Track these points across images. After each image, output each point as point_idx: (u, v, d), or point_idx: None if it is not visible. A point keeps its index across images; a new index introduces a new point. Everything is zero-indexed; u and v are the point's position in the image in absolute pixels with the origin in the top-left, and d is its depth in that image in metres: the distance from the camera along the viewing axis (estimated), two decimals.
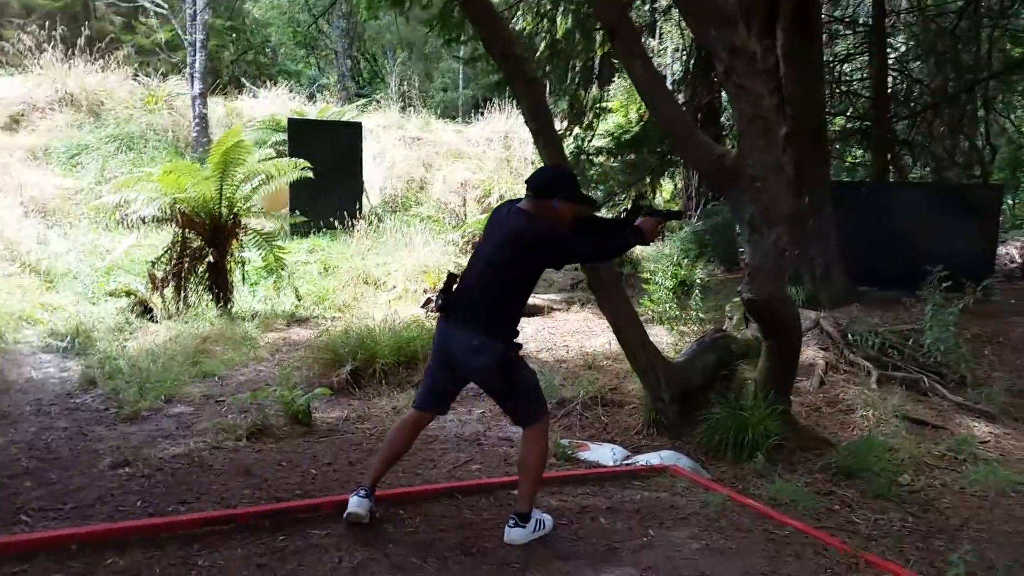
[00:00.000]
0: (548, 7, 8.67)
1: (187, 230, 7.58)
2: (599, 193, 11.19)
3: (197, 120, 14.16)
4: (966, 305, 5.16)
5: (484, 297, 2.90)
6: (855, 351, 5.20)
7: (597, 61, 14.72)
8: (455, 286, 3.01)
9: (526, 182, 3.04)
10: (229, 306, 7.66)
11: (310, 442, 4.26)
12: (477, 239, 11.03)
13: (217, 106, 15.53)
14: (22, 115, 13.40)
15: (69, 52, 14.36)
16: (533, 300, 7.85)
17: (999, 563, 2.92)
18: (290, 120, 11.89)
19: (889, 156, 11.28)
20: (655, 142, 11.50)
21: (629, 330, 4.17)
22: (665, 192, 15.54)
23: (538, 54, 10.22)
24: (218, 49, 22.85)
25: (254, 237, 8.15)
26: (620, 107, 15.78)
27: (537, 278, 3.04)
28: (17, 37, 14.61)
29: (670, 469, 3.64)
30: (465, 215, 12.81)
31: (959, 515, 3.45)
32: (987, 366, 5.27)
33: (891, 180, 11.44)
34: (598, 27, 9.24)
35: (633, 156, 11.48)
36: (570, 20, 10.01)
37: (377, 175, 14.65)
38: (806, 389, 4.88)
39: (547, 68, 10.26)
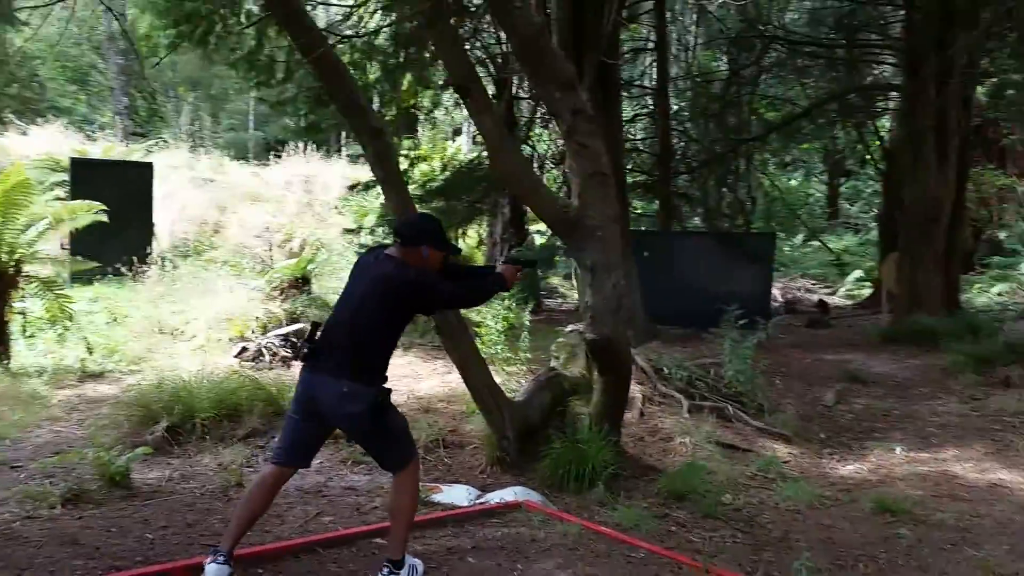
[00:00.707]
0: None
1: None
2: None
3: None
4: (760, 340, 5.82)
5: (354, 343, 2.90)
6: (667, 384, 5.67)
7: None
8: (318, 334, 2.98)
9: (394, 230, 3.11)
10: (6, 362, 6.85)
11: (135, 506, 3.92)
12: (288, 284, 10.74)
13: None
14: None
15: None
16: None
17: (823, 567, 3.32)
18: (73, 160, 10.97)
19: (669, 207, 12.45)
20: (463, 191, 11.88)
21: (475, 372, 4.29)
22: (470, 239, 15.99)
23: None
24: None
25: (36, 285, 7.38)
26: (427, 155, 16.09)
27: (406, 323, 3.09)
28: None
29: (524, 504, 3.77)
30: (272, 260, 12.37)
31: (779, 528, 3.86)
32: (777, 394, 5.95)
33: (675, 229, 12.61)
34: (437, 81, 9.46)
35: (444, 203, 11.76)
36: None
37: (166, 218, 13.81)
38: (629, 420, 5.22)
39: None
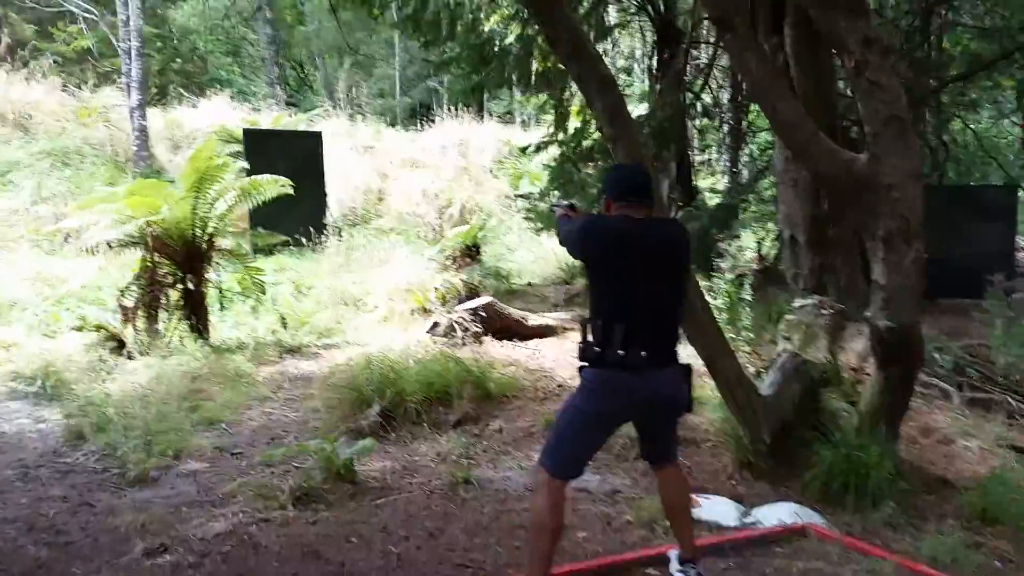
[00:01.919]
0: None
1: (157, 255, 6.85)
2: (577, 202, 10.85)
3: (137, 133, 13.21)
4: None
5: (669, 323, 2.73)
6: (927, 371, 4.93)
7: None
8: (617, 332, 2.60)
9: (639, 189, 2.76)
10: (206, 336, 6.95)
11: (366, 506, 3.69)
12: (459, 253, 10.54)
13: (155, 118, 14.56)
14: None
15: None
16: (543, 320, 7.41)
17: None
18: (246, 131, 11.13)
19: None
20: None
21: (723, 363, 3.76)
22: None
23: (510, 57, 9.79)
24: (147, 58, 21.66)
25: (227, 259, 7.45)
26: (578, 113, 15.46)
27: None
28: None
29: (810, 528, 3.24)
30: (441, 228, 12.25)
31: None
32: None
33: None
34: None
35: (600, 162, 11.16)
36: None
37: (333, 187, 13.95)
38: None
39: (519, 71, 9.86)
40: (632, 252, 2.64)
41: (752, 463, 3.91)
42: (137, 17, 13.24)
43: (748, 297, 5.45)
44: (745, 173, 14.48)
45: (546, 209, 10.37)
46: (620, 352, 2.57)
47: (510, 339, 6.99)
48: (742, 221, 12.42)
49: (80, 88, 14.23)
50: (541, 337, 7.04)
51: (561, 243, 2.98)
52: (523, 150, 9.65)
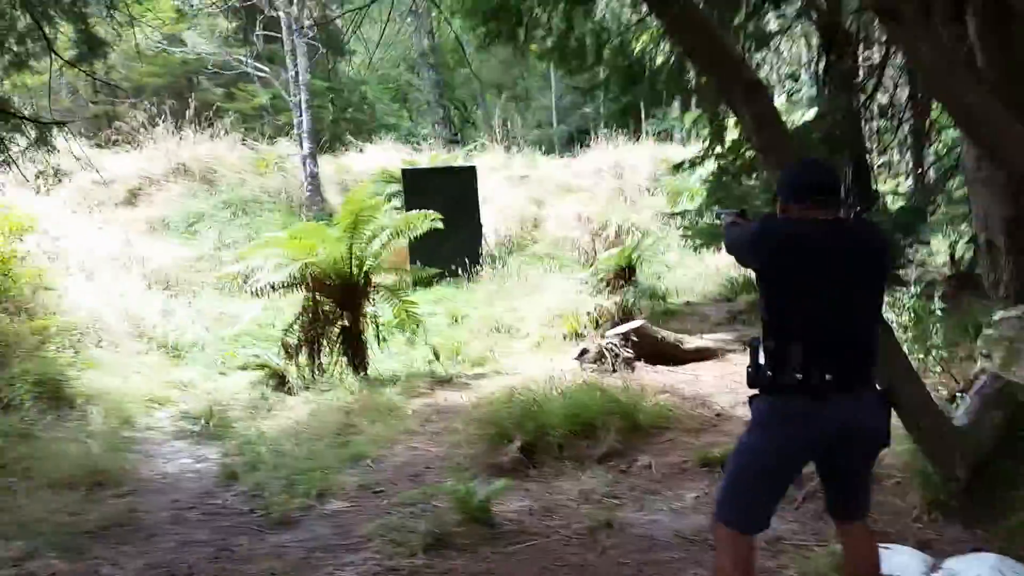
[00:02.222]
0: None
1: (317, 293, 7.08)
2: (747, 208, 10.25)
3: (309, 179, 14.03)
4: None
5: (865, 341, 2.33)
6: None
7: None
8: (795, 354, 2.24)
9: (823, 187, 2.35)
10: (366, 370, 7.07)
11: (502, 553, 3.46)
12: (613, 275, 10.23)
13: (326, 164, 15.41)
14: (139, 189, 13.52)
15: (178, 124, 14.50)
16: (701, 342, 6.95)
17: None
18: (404, 170, 11.47)
19: None
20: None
21: (906, 388, 3.21)
22: None
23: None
24: (319, 109, 23.16)
25: (383, 293, 7.58)
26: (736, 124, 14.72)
27: None
28: (131, 115, 14.89)
29: None
30: (595, 251, 11.99)
31: None
32: None
33: None
34: None
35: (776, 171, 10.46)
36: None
37: (489, 217, 14.09)
38: None
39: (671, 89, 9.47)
40: (817, 259, 2.25)
41: (944, 503, 3.32)
42: (305, 72, 14.09)
43: (939, 310, 4.72)
44: (932, 173, 13.19)
45: (706, 223, 9.86)
46: (797, 375, 2.20)
47: (665, 364, 6.58)
48: (931, 225, 11.26)
49: (257, 141, 15.33)
50: (699, 361, 6.58)
51: (728, 250, 2.66)
52: (677, 167, 9.20)
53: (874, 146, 12.67)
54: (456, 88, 28.26)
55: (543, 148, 18.78)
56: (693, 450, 4.51)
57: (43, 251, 8.70)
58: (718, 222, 2.80)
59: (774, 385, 2.25)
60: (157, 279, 10.89)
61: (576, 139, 22.14)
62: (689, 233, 9.95)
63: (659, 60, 9.27)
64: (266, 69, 15.79)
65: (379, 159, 15.51)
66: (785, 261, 2.28)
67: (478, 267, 10.55)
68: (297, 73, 14.14)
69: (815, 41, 11.91)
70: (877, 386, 2.32)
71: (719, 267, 10.66)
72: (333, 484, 4.51)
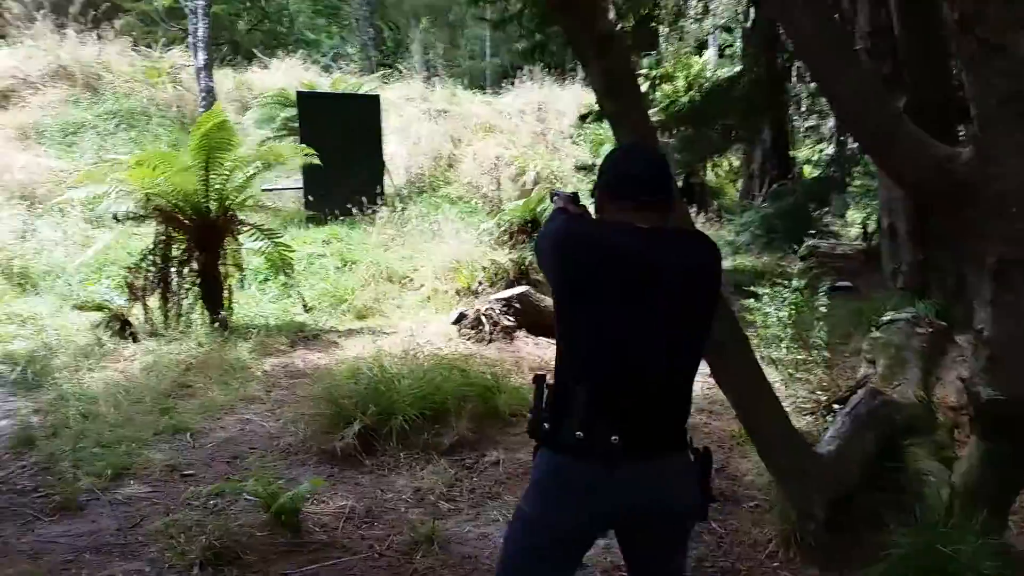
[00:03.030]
0: None
1: (170, 229, 6.32)
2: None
3: (204, 94, 12.86)
4: None
5: (676, 390, 1.80)
6: None
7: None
8: (593, 393, 1.73)
9: (646, 183, 1.81)
10: (221, 317, 6.38)
11: (295, 573, 2.95)
12: (517, 229, 9.69)
13: (226, 79, 14.24)
14: (12, 91, 12.17)
15: (62, 21, 13.10)
16: None
17: None
18: (299, 93, 10.56)
19: None
20: (715, 115, 10.04)
21: (762, 414, 2.79)
22: (720, 170, 14.02)
23: None
24: (232, 18, 21.57)
25: (253, 233, 6.85)
26: (670, 74, 14.20)
27: None
28: (7, 5, 13.38)
29: None
30: (500, 199, 11.42)
31: None
32: None
33: None
34: None
35: (690, 130, 10.02)
36: None
37: (401, 152, 13.31)
38: None
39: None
40: (621, 277, 1.71)
41: (801, 540, 2.95)
42: None
43: (823, 306, 4.32)
44: (852, 142, 13.01)
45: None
46: (578, 433, 1.70)
47: (549, 336, 6.11)
48: (845, 199, 11.07)
49: (151, 48, 14.04)
50: None
51: (535, 247, 2.08)
52: (583, 117, 8.63)
53: (797, 111, 12.39)
54: (390, 7, 26.84)
55: (468, 82, 17.89)
56: None
57: None
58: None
59: (552, 441, 1.76)
60: (22, 193, 9.87)
61: (511, 74, 21.28)
62: (592, 189, 9.45)
63: None
64: None
65: (284, 78, 14.41)
66: (580, 275, 1.75)
67: (377, 207, 9.83)
68: None
69: None
70: (692, 446, 1.83)
71: None
72: (138, 461, 3.92)
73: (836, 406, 3.66)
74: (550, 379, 1.82)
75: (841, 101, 2.46)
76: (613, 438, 1.70)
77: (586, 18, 2.59)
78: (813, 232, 10.76)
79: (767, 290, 4.27)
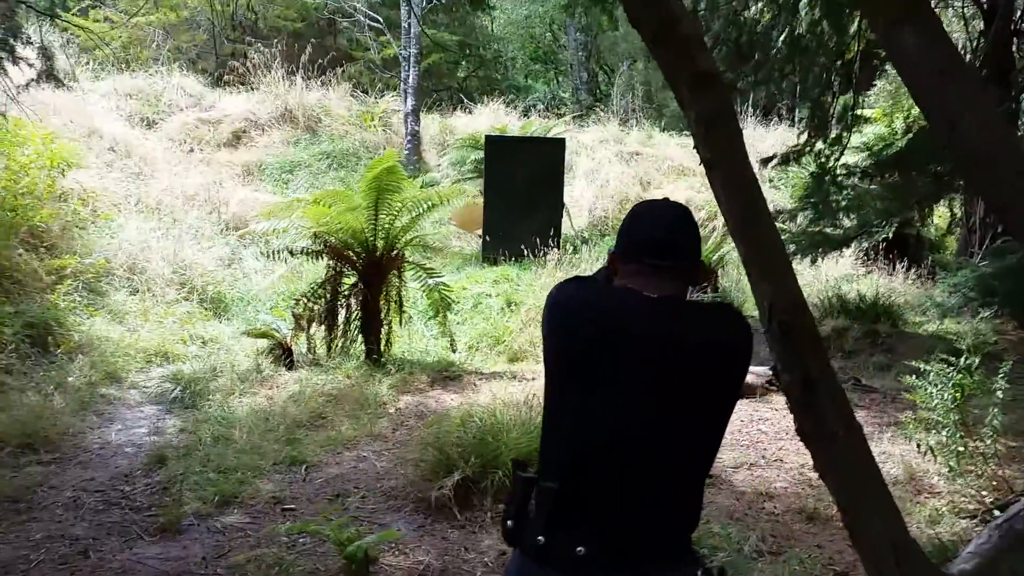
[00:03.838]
0: None
1: (339, 264, 6.61)
2: (848, 223, 8.90)
3: (409, 137, 13.65)
4: None
5: (672, 496, 1.50)
6: None
7: (857, 62, 12.12)
8: (561, 493, 1.47)
9: (662, 247, 1.56)
10: (379, 352, 6.56)
11: None
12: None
13: (433, 123, 14.98)
14: (244, 131, 13.57)
15: (292, 69, 14.45)
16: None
17: None
18: (487, 137, 10.78)
19: None
20: (928, 159, 8.94)
21: (871, 520, 2.27)
22: (939, 220, 12.54)
23: (774, 52, 8.22)
24: (451, 66, 22.80)
25: (416, 272, 7.01)
26: (883, 115, 13.04)
27: None
28: (246, 55, 14.99)
29: None
30: None
31: None
32: None
33: None
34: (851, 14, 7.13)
35: (898, 176, 8.99)
36: (818, 9, 7.88)
37: (587, 195, 13.25)
38: None
39: (783, 70, 8.23)
40: (618, 354, 1.45)
41: None
42: (416, 26, 13.63)
43: (1003, 385, 3.54)
44: None
45: (802, 227, 8.65)
46: (539, 537, 1.45)
47: None
48: None
49: (367, 93, 15.10)
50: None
51: None
52: (765, 162, 8.02)
53: None
54: (605, 51, 27.17)
55: (667, 125, 17.49)
56: None
57: (103, 187, 8.74)
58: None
59: (514, 541, 1.50)
60: (236, 225, 10.87)
61: None
62: (784, 237, 8.73)
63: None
64: (380, 19, 15.51)
65: (486, 122, 14.90)
66: (569, 347, 1.50)
67: (549, 250, 9.77)
68: (410, 25, 13.72)
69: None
70: (702, 564, 1.48)
71: (816, 280, 9.45)
72: (247, 490, 4.02)
73: (996, 512, 2.97)
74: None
75: (964, 146, 1.96)
76: (579, 548, 1.41)
77: (682, 52, 2.29)
78: None
79: (933, 366, 3.60)
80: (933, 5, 9.57)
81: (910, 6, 1.97)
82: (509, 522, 1.51)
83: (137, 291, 7.51)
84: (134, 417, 5.24)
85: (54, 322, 5.88)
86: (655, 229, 1.58)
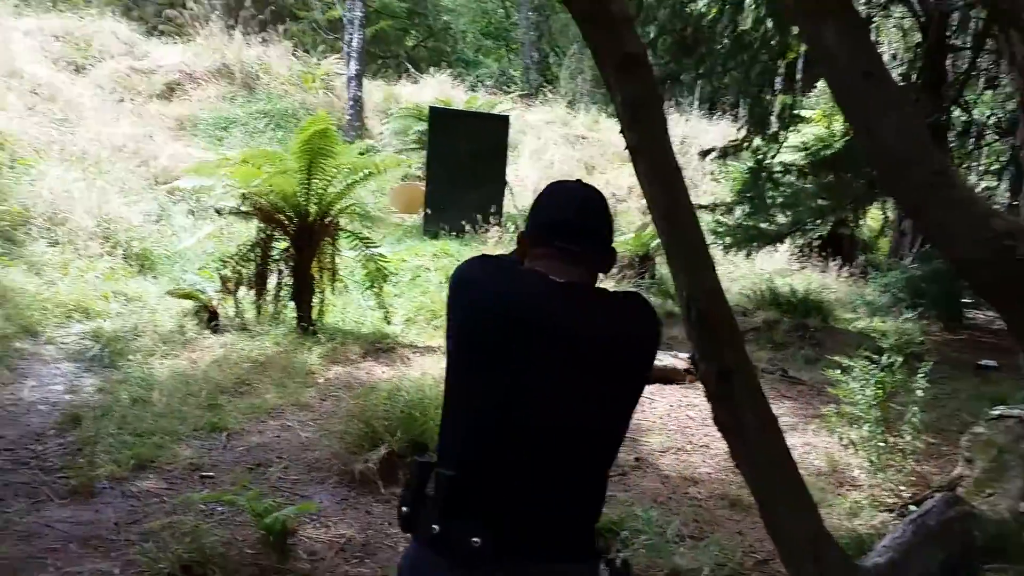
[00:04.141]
0: None
1: (270, 227, 6.43)
2: (782, 220, 9.11)
3: (351, 102, 13.36)
4: None
5: (577, 487, 1.46)
6: None
7: (800, 63, 12.39)
8: (457, 480, 1.42)
9: (576, 230, 1.50)
10: (310, 320, 6.42)
11: None
12: (626, 262, 9.31)
13: (377, 90, 14.71)
14: (178, 84, 13.06)
15: (232, 23, 13.96)
16: (671, 360, 6.02)
17: None
18: (432, 108, 10.65)
19: None
20: (863, 162, 9.21)
21: (786, 511, 2.32)
22: (872, 222, 12.96)
23: (719, 47, 8.29)
24: (399, 33, 22.41)
25: (353, 241, 6.87)
26: (822, 117, 13.34)
27: None
28: (185, 4, 14.41)
29: None
30: (622, 231, 11.03)
31: None
32: None
33: None
34: None
35: (833, 177, 9.24)
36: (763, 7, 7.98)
37: (532, 174, 13.24)
38: None
39: (727, 65, 8.30)
40: (521, 339, 1.39)
41: None
42: None
43: (923, 385, 3.66)
44: None
45: (737, 221, 8.82)
46: (434, 526, 1.40)
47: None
48: None
49: (309, 53, 14.71)
50: (660, 382, 5.62)
51: None
52: (703, 154, 8.14)
53: (961, 164, 11.23)
54: (556, 33, 27.08)
55: (611, 110, 17.59)
56: None
57: (23, 131, 8.31)
58: None
59: (409, 528, 1.46)
60: (166, 180, 10.48)
61: (667, 104, 20.89)
62: (720, 230, 8.89)
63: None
64: None
65: (431, 93, 14.69)
66: (473, 329, 1.44)
67: (492, 226, 9.72)
68: None
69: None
70: (605, 556, 1.46)
71: (751, 273, 9.65)
72: (164, 455, 3.90)
73: (912, 507, 3.08)
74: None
75: (880, 150, 1.99)
76: (474, 539, 1.37)
77: (611, 33, 2.25)
78: (970, 301, 9.66)
79: (858, 363, 3.71)
80: (875, 15, 9.81)
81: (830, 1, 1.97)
82: (404, 508, 1.46)
83: (57, 243, 7.19)
84: (49, 374, 5.02)
85: None
86: (566, 211, 1.52)
